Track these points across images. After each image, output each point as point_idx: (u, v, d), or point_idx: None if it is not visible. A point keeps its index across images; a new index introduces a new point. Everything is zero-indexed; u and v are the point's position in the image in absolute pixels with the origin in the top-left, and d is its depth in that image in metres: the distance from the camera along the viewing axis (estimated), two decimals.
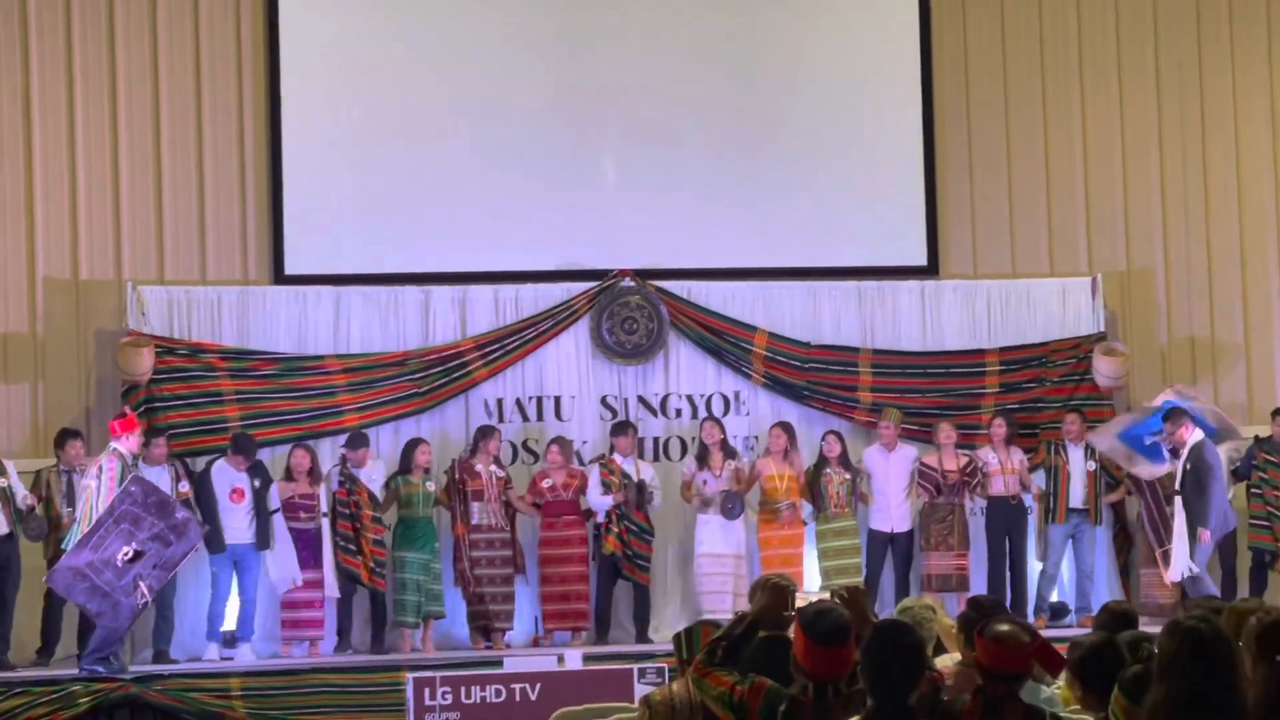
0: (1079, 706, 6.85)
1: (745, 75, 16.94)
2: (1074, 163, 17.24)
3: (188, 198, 16.07)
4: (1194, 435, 15.08)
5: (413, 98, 16.55)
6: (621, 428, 15.75)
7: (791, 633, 6.55)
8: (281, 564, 14.80)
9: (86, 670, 13.62)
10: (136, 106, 16.04)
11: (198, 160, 16.13)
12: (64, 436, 14.63)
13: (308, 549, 14.90)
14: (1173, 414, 15.27)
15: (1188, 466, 15.01)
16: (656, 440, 16.38)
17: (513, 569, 15.31)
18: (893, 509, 15.77)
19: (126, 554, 13.26)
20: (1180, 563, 14.93)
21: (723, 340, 16.42)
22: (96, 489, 13.55)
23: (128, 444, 13.71)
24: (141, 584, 13.34)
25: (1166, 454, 15.40)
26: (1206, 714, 5.31)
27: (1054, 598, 16.01)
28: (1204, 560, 15.02)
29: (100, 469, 13.63)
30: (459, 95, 16.61)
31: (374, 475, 15.25)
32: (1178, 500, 15.04)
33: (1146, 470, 15.56)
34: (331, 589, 14.91)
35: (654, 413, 16.43)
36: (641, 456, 16.08)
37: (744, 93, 16.91)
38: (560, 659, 13.49)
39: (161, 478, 14.33)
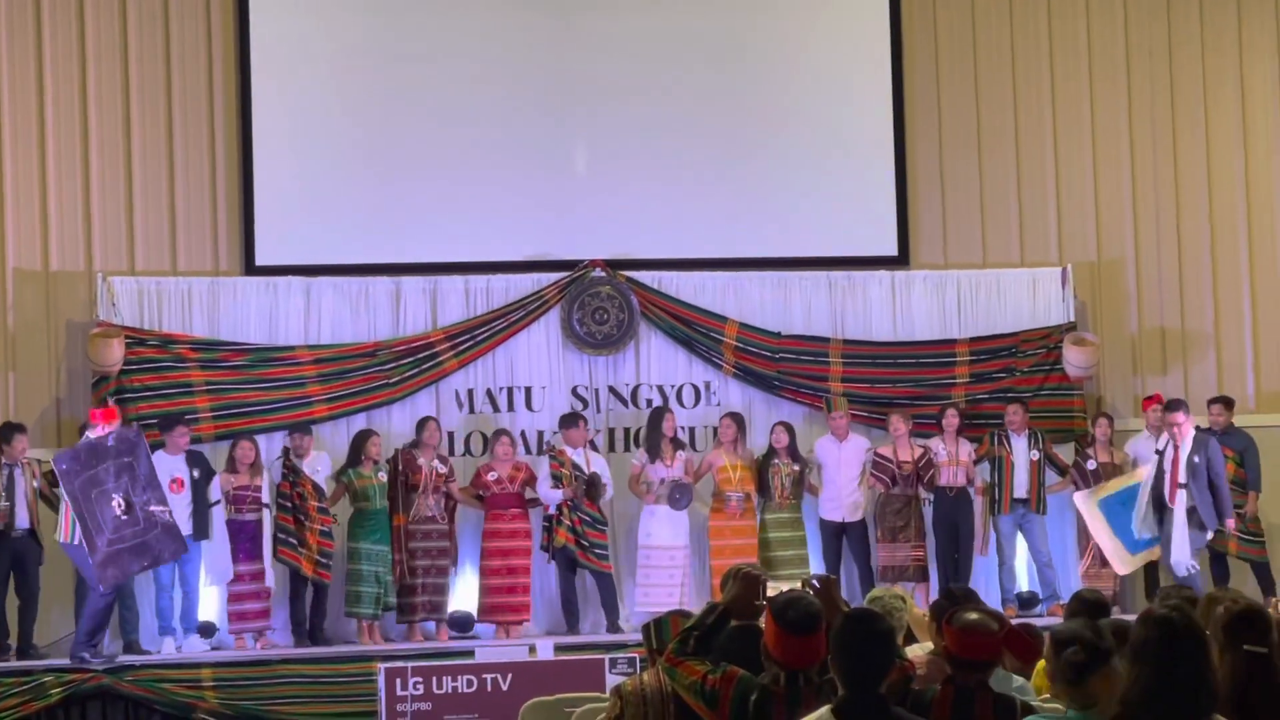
0: (1052, 695, 6.87)
1: (716, 66, 16.92)
2: (1044, 153, 17.27)
3: (158, 188, 16.04)
4: (1192, 428, 15.08)
5: (383, 88, 16.54)
6: (571, 419, 15.73)
7: (763, 622, 6.57)
8: (216, 558, 14.74)
9: (77, 659, 13.64)
10: (106, 97, 16.00)
11: (168, 151, 16.10)
12: (9, 430, 14.50)
13: (250, 540, 14.83)
14: (1173, 404, 15.27)
15: (1195, 460, 14.96)
16: (627, 430, 16.38)
17: (449, 561, 15.30)
18: (844, 499, 15.77)
19: (120, 506, 13.26)
20: (1182, 554, 14.90)
21: (693, 330, 16.44)
22: None
23: (101, 434, 13.73)
24: (152, 509, 13.35)
25: (1141, 540, 15.39)
26: (1178, 700, 5.35)
27: (1025, 587, 16.03)
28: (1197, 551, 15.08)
29: None
30: (430, 86, 16.60)
31: (318, 466, 15.19)
32: (1182, 493, 15.00)
33: (1127, 557, 15.56)
34: (270, 580, 14.86)
35: (625, 403, 16.43)
36: (612, 447, 16.11)
37: (714, 83, 16.90)
38: (532, 649, 13.52)
39: None
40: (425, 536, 15.17)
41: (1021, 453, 15.88)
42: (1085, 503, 15.66)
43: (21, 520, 14.27)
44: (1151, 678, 5.38)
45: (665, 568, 15.47)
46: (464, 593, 15.53)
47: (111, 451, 13.44)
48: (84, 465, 13.35)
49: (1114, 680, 5.58)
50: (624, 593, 15.86)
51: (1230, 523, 15.11)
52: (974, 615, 6.74)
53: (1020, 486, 15.83)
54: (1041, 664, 9.04)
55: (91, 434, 13.75)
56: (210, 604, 15.00)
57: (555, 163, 16.69)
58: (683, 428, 16.09)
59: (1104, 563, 15.65)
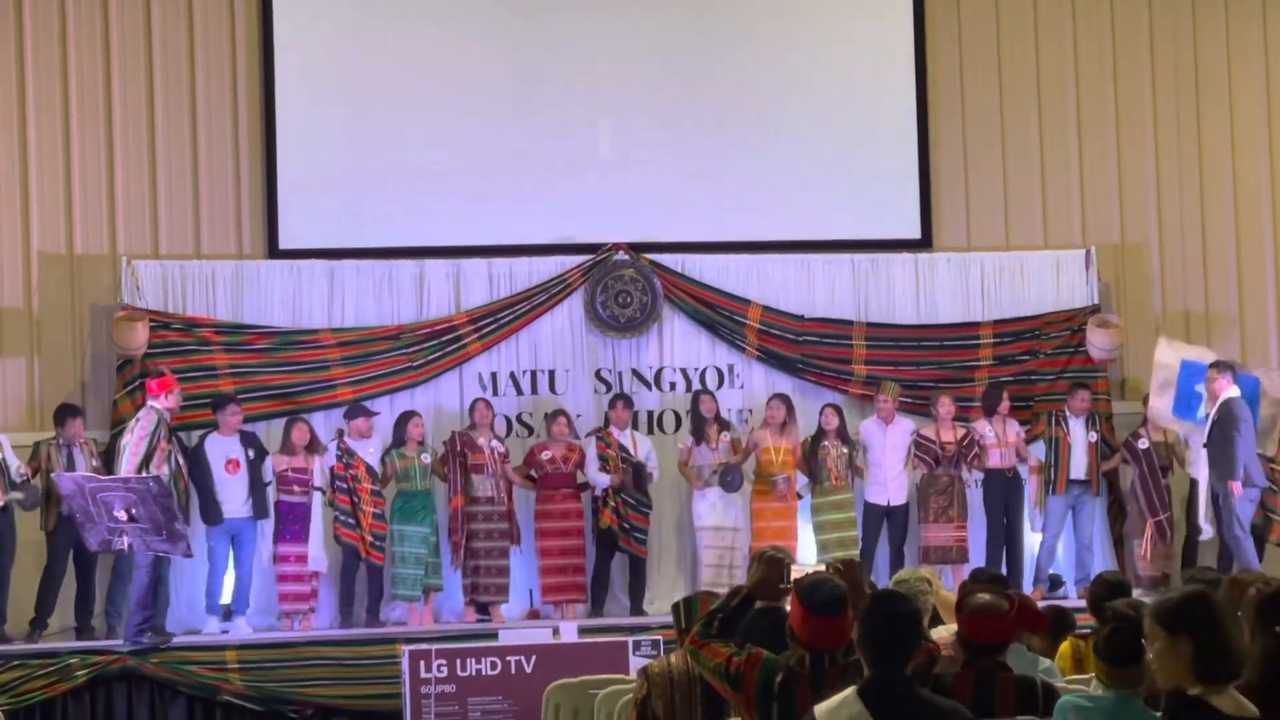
0: (1097, 675, 6.87)
1: (740, 49, 16.91)
2: (1067, 135, 17.23)
3: (182, 172, 16.08)
4: (1230, 390, 14.97)
5: (406, 72, 16.54)
6: (616, 400, 15.77)
7: (787, 604, 6.58)
8: (269, 539, 14.91)
9: (131, 643, 13.69)
10: (130, 81, 16.03)
11: (191, 134, 16.13)
12: (65, 413, 14.65)
13: (299, 522, 14.92)
14: (1219, 365, 15.17)
15: (1215, 419, 14.90)
16: (650, 413, 16.39)
17: (509, 542, 15.32)
18: (890, 481, 15.75)
19: (121, 515, 13.28)
20: (1205, 520, 14.82)
21: (716, 313, 16.43)
22: (131, 441, 13.66)
23: (165, 402, 13.96)
24: (126, 536, 13.36)
25: (1199, 415, 15.31)
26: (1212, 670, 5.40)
27: (1060, 569, 16.04)
28: (1247, 519, 14.84)
29: (136, 421, 13.76)
30: (453, 69, 16.60)
31: (372, 448, 15.26)
32: (1204, 455, 14.96)
33: (1164, 413, 15.51)
34: (317, 563, 14.93)
35: (648, 386, 16.44)
36: (635, 429, 16.10)
37: (738, 66, 16.89)
38: (555, 631, 13.52)
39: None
40: (486, 518, 15.20)
41: (1079, 435, 15.85)
42: (1169, 349, 15.61)
43: None
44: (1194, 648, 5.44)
45: (717, 548, 15.46)
46: (526, 572, 15.55)
47: (171, 526, 13.45)
48: (155, 499, 13.35)
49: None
50: (657, 576, 15.90)
51: (1235, 486, 14.83)
52: (983, 598, 6.77)
53: (1078, 468, 15.80)
54: (1066, 646, 9.08)
55: (152, 402, 13.89)
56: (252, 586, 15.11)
57: (579, 146, 16.69)
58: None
59: (1160, 541, 15.55)
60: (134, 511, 13.22)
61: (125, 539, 13.31)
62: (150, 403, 13.96)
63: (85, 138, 15.91)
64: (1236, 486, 14.73)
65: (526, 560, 15.53)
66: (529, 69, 16.66)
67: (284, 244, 16.21)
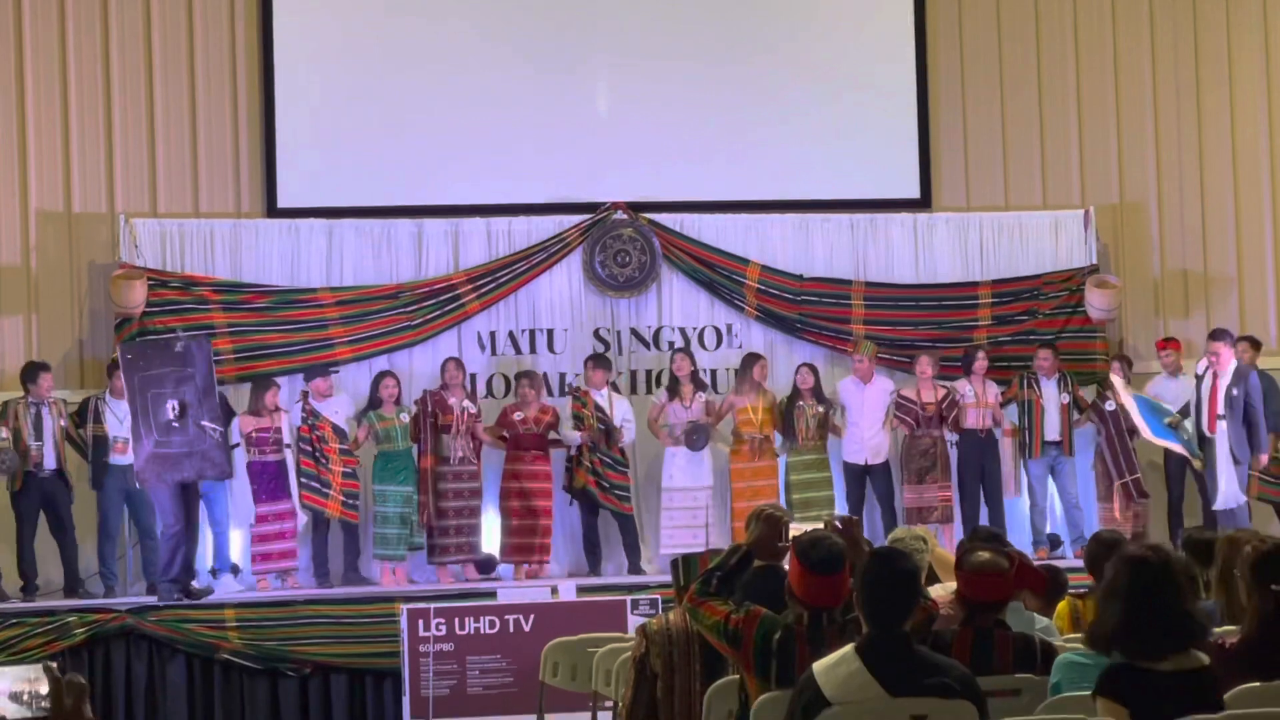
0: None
1: (739, 7, 16.88)
2: (1067, 94, 17.19)
3: (180, 130, 16.04)
4: (1234, 362, 15.01)
5: (405, 30, 16.49)
6: (595, 360, 15.75)
7: (786, 563, 6.59)
8: (240, 500, 14.87)
9: (166, 596, 13.75)
10: (128, 38, 15.99)
11: (190, 92, 16.09)
12: (34, 369, 14.60)
13: (274, 481, 14.89)
14: (1215, 333, 15.17)
15: (1234, 392, 14.85)
16: (649, 373, 16.37)
17: (479, 502, 15.31)
18: (867, 441, 15.72)
19: (175, 409, 13.33)
20: (1229, 491, 14.84)
21: (715, 273, 16.42)
22: None
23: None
24: (205, 424, 13.40)
25: (1177, 444, 15.34)
26: (1150, 635, 5.41)
27: (1047, 529, 16.04)
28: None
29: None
30: (451, 27, 16.56)
31: (338, 408, 15.25)
32: (1221, 425, 14.95)
33: (1149, 436, 15.53)
34: (301, 519, 14.93)
35: (646, 345, 16.43)
36: (634, 389, 16.11)
37: (737, 24, 16.85)
38: (554, 590, 13.55)
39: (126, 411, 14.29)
40: (457, 478, 15.18)
41: (1052, 397, 15.81)
42: (1125, 391, 15.60)
43: (49, 460, 14.40)
44: (1122, 613, 5.45)
45: (687, 509, 15.47)
46: (492, 533, 15.50)
47: (177, 358, 13.54)
48: (148, 362, 13.46)
49: None
50: (645, 534, 15.89)
51: (1264, 458, 14.94)
52: (983, 556, 6.79)
53: (1052, 429, 15.77)
54: (1063, 605, 9.10)
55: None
56: (237, 545, 15.09)
57: (577, 105, 16.65)
58: (705, 370, 16.07)
59: (1128, 502, 15.59)
60: (168, 394, 13.27)
61: (207, 426, 13.40)
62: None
63: (83, 95, 15.88)
64: (1264, 459, 14.83)
65: (491, 520, 15.49)
66: (528, 28, 16.61)
67: (282, 203, 16.19)
